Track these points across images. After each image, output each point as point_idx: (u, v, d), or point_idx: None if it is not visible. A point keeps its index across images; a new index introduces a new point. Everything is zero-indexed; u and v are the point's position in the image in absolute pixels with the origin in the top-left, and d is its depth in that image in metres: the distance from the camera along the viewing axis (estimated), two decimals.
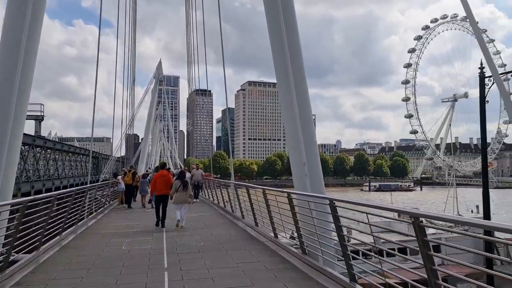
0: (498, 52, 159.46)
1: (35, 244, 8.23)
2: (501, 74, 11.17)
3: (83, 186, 14.67)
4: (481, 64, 11.85)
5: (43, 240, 8.46)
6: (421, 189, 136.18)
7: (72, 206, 10.89)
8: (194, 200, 20.03)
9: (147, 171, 30.24)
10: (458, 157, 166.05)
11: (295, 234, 9.53)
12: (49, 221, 8.75)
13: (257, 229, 10.81)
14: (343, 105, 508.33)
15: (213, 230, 11.24)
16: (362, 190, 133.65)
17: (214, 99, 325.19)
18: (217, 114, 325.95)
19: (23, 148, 22.07)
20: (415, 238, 3.48)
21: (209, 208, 18.39)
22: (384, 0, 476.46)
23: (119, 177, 20.89)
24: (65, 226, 10.40)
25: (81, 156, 37.69)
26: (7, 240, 7.45)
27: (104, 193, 18.66)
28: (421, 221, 3.47)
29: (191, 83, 38.16)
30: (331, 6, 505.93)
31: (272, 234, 9.21)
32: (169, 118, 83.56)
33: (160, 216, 12.25)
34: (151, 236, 10.52)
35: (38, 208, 11.35)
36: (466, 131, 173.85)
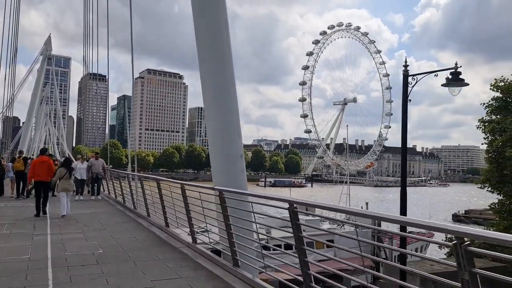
0: (383, 63, 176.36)
1: None
2: (431, 72, 11.02)
3: None
4: (406, 62, 11.69)
5: None
6: (311, 186, 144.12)
7: None
8: (94, 197, 16.88)
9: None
10: (345, 157, 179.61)
11: (197, 229, 8.15)
12: None
13: (168, 231, 9.18)
14: (243, 101, 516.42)
15: (114, 232, 9.25)
16: (258, 185, 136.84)
17: (109, 85, 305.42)
18: (112, 101, 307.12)
19: None
20: None
21: (105, 203, 15.99)
22: (284, 2, 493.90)
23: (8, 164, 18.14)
24: None
25: None
26: None
27: None
28: (469, 244, 2.36)
29: (85, 66, 34.21)
30: (235, 2, 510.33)
31: (190, 239, 7.70)
32: (57, 101, 75.38)
33: (41, 204, 11.85)
34: (31, 240, 8.23)
35: None
36: (352, 133, 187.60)
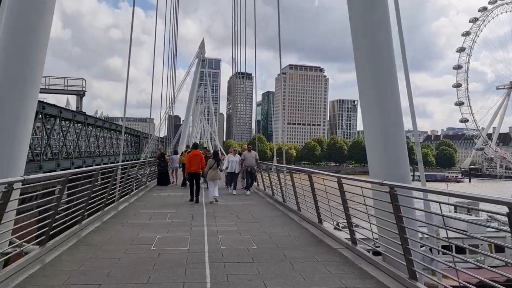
0: None
1: (42, 237, 6.35)
2: None
3: (112, 165, 13.01)
4: None
5: (50, 231, 6.54)
6: (469, 181, 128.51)
7: (94, 190, 8.98)
8: (248, 191, 16.24)
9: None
10: None
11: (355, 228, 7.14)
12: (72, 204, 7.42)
13: (321, 227, 8.49)
14: None
15: (266, 227, 8.93)
16: None
17: (254, 82, 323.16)
18: (257, 97, 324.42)
19: (63, 124, 20.87)
20: None
21: (255, 195, 16.14)
22: None
23: (175, 156, 20.78)
24: (85, 213, 8.53)
25: (117, 133, 36.05)
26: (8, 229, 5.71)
27: (140, 172, 17.25)
28: None
29: (234, 65, 36.87)
30: None
31: (349, 240, 6.83)
32: (210, 100, 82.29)
33: (194, 192, 13.29)
34: (189, 230, 8.41)
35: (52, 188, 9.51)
36: None
